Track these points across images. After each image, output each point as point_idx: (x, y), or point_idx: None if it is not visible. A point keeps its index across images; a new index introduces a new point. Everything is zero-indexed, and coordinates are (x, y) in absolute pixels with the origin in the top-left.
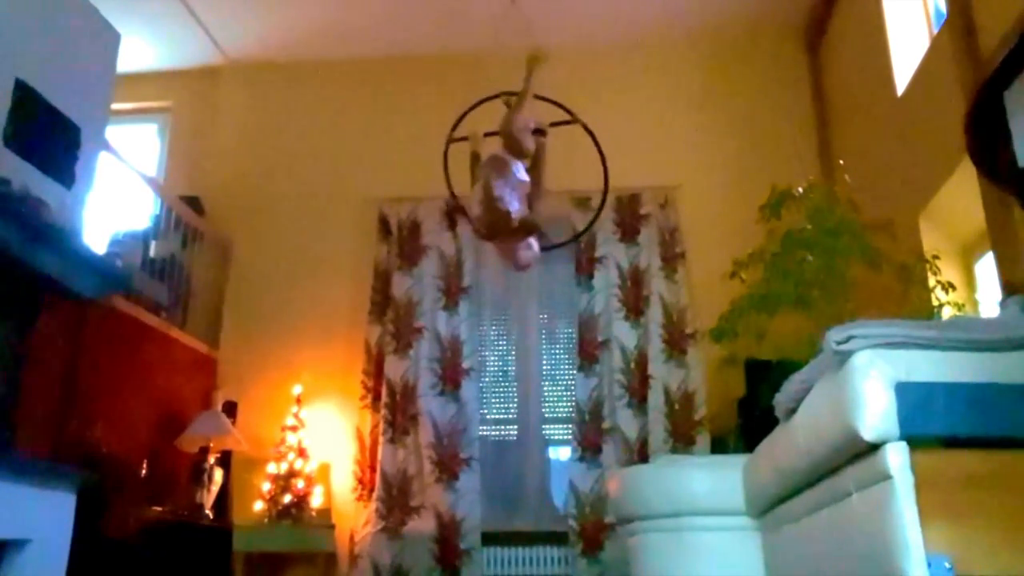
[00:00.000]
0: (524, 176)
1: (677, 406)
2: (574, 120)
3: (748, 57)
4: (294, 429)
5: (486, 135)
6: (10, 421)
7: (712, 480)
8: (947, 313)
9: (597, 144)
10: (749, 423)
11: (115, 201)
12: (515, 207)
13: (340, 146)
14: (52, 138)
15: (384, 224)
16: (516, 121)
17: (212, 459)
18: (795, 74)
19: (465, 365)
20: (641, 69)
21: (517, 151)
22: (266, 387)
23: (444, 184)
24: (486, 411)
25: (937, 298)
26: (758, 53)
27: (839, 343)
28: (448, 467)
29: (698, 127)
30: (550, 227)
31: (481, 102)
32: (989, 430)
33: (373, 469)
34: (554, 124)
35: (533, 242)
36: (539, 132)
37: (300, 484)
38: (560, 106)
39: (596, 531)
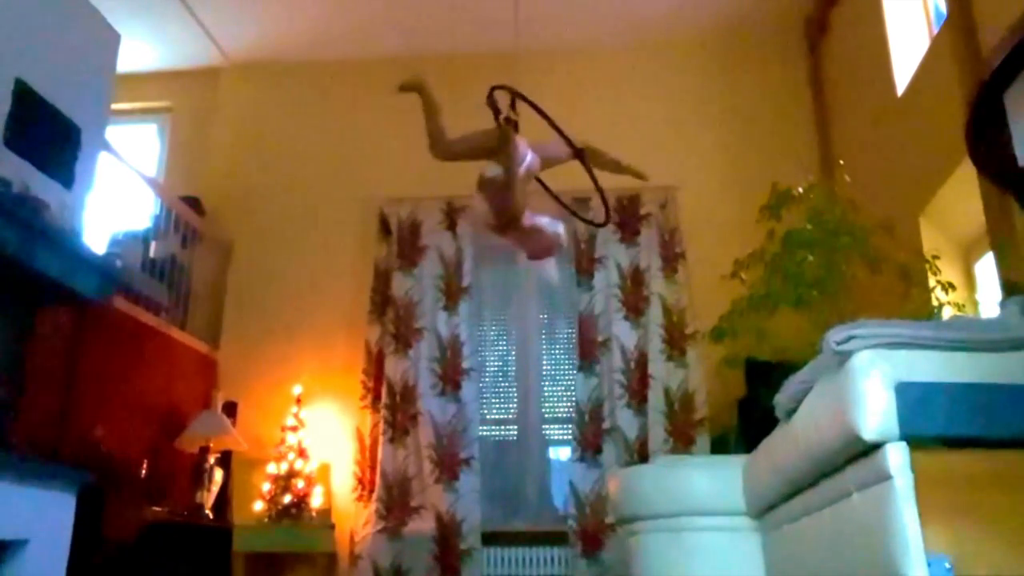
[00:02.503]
0: (490, 172)
1: (677, 406)
2: (514, 93)
3: (748, 57)
4: (294, 429)
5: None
6: (10, 421)
7: (712, 480)
8: (947, 313)
9: (538, 108)
10: (749, 423)
11: (115, 201)
12: (481, 204)
13: (340, 146)
14: (52, 138)
15: (384, 224)
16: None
17: (212, 459)
18: (795, 74)
19: (465, 365)
20: (641, 69)
21: (478, 154)
22: (266, 387)
23: (444, 184)
24: (486, 411)
25: (937, 298)
26: (758, 53)
27: (839, 343)
28: (448, 467)
29: (698, 127)
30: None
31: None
32: (989, 430)
33: (373, 469)
34: (512, 104)
35: (546, 226)
36: (509, 121)
37: (300, 484)
38: (505, 88)
39: (596, 531)
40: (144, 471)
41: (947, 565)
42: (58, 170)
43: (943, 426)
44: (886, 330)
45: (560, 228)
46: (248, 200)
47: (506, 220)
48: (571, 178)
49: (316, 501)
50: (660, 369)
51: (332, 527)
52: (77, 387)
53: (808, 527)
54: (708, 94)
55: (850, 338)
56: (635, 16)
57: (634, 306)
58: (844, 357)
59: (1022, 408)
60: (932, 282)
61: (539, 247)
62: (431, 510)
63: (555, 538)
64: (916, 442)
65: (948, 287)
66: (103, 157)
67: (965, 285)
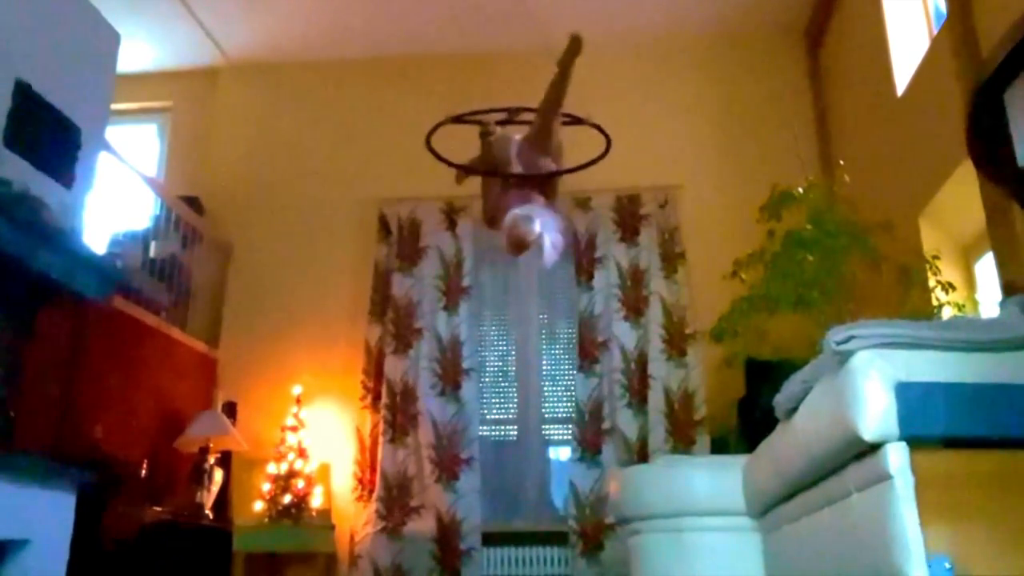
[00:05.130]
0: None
1: (677, 406)
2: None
3: (748, 57)
4: (294, 429)
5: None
6: (10, 421)
7: (712, 480)
8: (947, 313)
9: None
10: (749, 423)
11: (115, 201)
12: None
13: (340, 146)
14: (52, 138)
15: (384, 224)
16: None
17: (212, 459)
18: (795, 74)
19: (465, 365)
20: (642, 69)
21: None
22: (266, 387)
23: (444, 184)
24: (486, 411)
25: (937, 298)
26: (758, 53)
27: (839, 343)
28: (448, 467)
29: (698, 127)
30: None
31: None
32: (989, 430)
33: (373, 469)
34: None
35: (508, 220)
36: (486, 134)
37: (300, 484)
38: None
39: (596, 531)
40: (144, 471)
41: (947, 565)
42: (58, 170)
43: (943, 426)
44: (886, 330)
45: (535, 226)
46: (248, 200)
47: (488, 213)
48: (571, 180)
49: (316, 501)
50: (660, 369)
51: (332, 527)
52: (77, 387)
53: (808, 527)
54: (708, 94)
55: (850, 338)
56: (636, 16)
57: (634, 306)
58: (844, 357)
59: (1022, 408)
60: (932, 282)
61: (510, 241)
62: (431, 510)
63: (555, 538)
64: (916, 442)
65: (948, 287)
66: (103, 157)
67: (965, 285)
